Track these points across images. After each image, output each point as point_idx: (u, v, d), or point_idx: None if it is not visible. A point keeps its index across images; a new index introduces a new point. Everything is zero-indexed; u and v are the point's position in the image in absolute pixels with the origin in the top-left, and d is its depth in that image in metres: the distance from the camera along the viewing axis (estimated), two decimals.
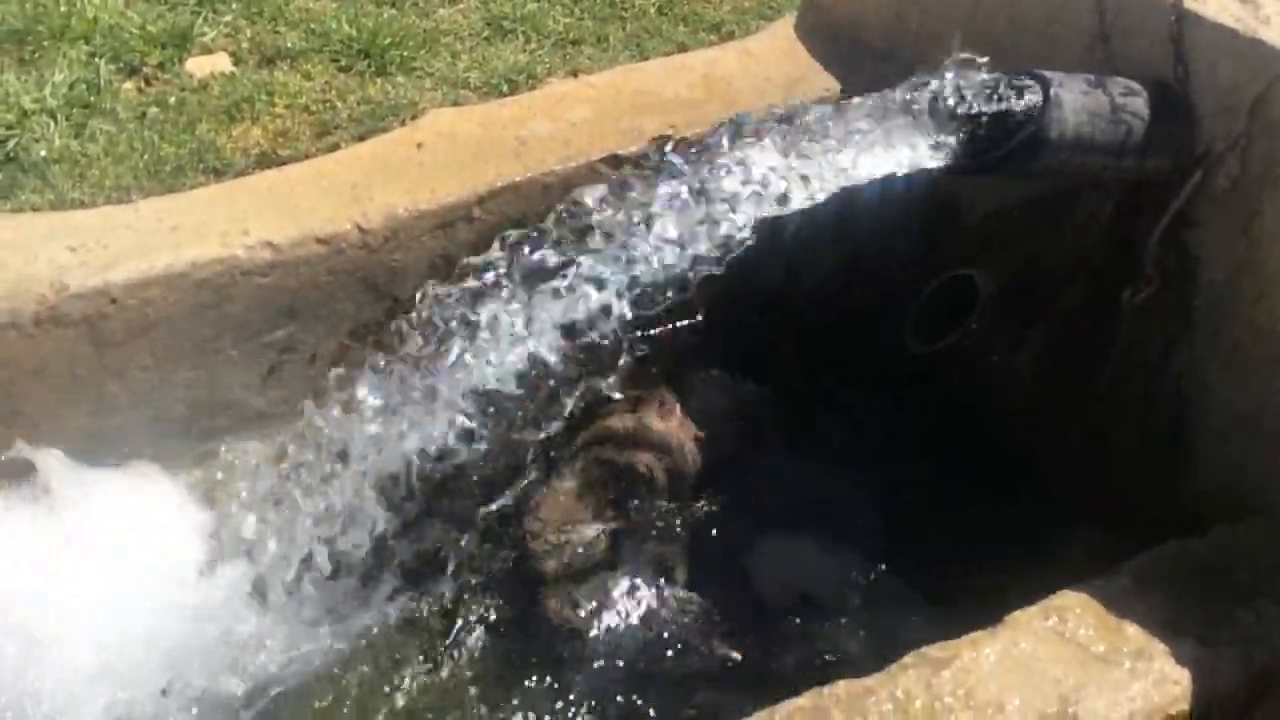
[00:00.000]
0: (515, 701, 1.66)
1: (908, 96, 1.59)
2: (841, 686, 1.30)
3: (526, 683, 1.68)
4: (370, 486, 1.58)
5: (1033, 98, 1.58)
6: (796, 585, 1.83)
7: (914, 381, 2.01)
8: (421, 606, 1.72)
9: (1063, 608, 1.39)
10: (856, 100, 1.61)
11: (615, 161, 1.91)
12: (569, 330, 1.54)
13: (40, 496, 1.69)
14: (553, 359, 1.54)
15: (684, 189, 1.55)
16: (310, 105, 2.32)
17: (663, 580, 1.82)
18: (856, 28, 2.16)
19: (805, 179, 1.54)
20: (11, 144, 2.13)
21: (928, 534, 1.86)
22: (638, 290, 1.54)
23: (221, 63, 2.42)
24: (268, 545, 1.64)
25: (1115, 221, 1.80)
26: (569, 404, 1.64)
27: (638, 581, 1.81)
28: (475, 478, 1.75)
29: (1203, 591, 1.43)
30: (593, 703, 1.67)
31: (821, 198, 1.56)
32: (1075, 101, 1.58)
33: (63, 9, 2.45)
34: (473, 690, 1.67)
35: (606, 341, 1.56)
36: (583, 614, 1.76)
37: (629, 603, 1.79)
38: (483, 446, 1.58)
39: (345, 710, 1.63)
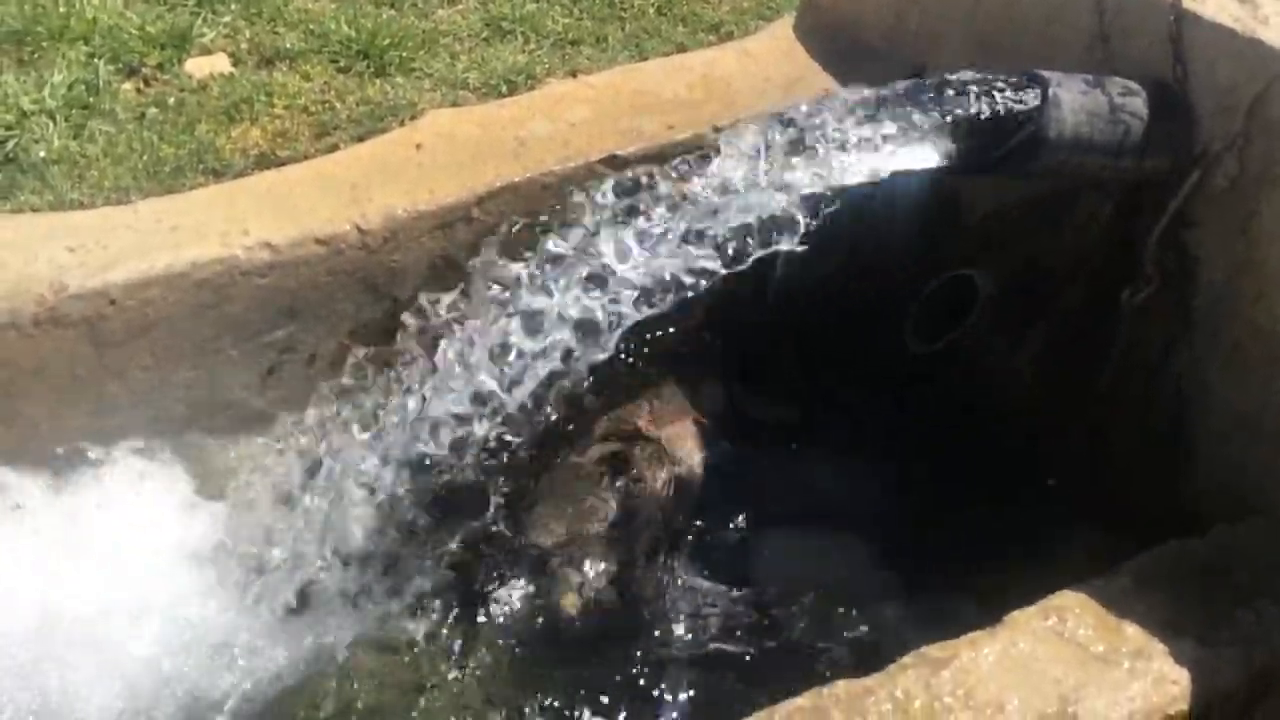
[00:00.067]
0: (516, 699, 1.66)
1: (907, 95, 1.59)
2: (841, 686, 1.30)
3: (527, 681, 1.69)
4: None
5: (1031, 97, 1.58)
6: (796, 584, 1.83)
7: (914, 381, 2.01)
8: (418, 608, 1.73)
9: (1062, 608, 1.39)
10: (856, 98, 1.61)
11: (614, 162, 1.91)
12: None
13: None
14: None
15: None
16: (309, 106, 2.32)
17: (662, 581, 1.82)
18: (856, 28, 2.16)
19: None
20: (11, 145, 2.13)
21: (928, 534, 1.86)
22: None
23: (220, 63, 2.42)
24: None
25: (1114, 221, 1.80)
26: None
27: (637, 582, 1.81)
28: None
29: (1203, 591, 1.43)
30: (592, 701, 1.67)
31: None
32: (1074, 101, 1.58)
33: (62, 10, 2.45)
34: (473, 687, 1.67)
35: None
36: (582, 616, 1.76)
37: (628, 602, 1.79)
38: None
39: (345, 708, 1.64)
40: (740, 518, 1.91)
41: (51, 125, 2.18)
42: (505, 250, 1.78)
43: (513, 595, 1.76)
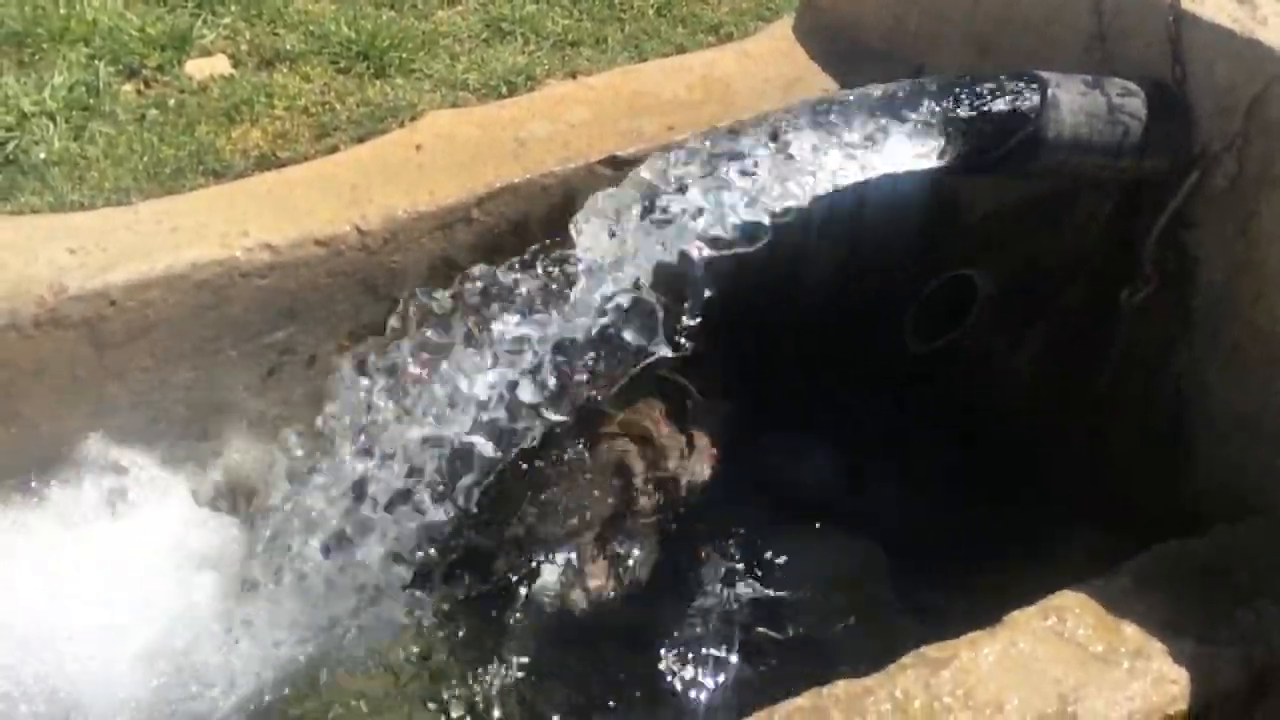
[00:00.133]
0: (519, 692, 1.66)
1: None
2: (840, 686, 1.30)
3: (529, 674, 1.69)
4: None
5: (1030, 98, 1.58)
6: (798, 583, 1.84)
7: (914, 381, 2.01)
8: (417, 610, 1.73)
9: (1061, 608, 1.39)
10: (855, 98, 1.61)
11: (614, 163, 1.91)
12: None
13: None
14: None
15: None
16: (309, 107, 2.32)
17: (667, 578, 1.82)
18: (855, 29, 2.16)
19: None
20: (11, 146, 2.13)
21: (927, 533, 1.86)
22: None
23: (221, 65, 2.42)
24: None
25: (1114, 221, 1.80)
26: None
27: (642, 579, 1.81)
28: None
29: (1202, 591, 1.44)
30: (594, 696, 1.67)
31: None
32: (1073, 102, 1.58)
33: (62, 11, 2.45)
34: (476, 680, 1.67)
35: None
36: (587, 611, 1.76)
37: (634, 599, 1.79)
38: None
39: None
40: (745, 516, 1.91)
41: (52, 127, 2.18)
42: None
43: (518, 590, 1.76)
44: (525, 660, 1.70)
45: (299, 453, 1.75)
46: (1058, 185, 1.83)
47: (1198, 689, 1.33)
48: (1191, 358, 1.70)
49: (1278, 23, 1.58)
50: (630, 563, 1.82)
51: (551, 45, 2.59)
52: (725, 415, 2.03)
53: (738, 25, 2.70)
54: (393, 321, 1.77)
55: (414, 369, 1.68)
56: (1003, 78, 1.61)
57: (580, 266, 1.60)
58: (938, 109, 1.57)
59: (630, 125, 1.98)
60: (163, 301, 1.72)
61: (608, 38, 2.62)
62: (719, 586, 1.83)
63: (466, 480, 1.63)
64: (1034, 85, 1.59)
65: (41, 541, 1.69)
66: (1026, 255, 1.94)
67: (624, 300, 1.58)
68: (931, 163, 1.57)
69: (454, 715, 1.66)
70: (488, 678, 1.68)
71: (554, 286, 1.63)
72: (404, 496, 1.64)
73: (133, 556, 1.70)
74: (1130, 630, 1.37)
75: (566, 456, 1.87)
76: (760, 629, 1.78)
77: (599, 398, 1.69)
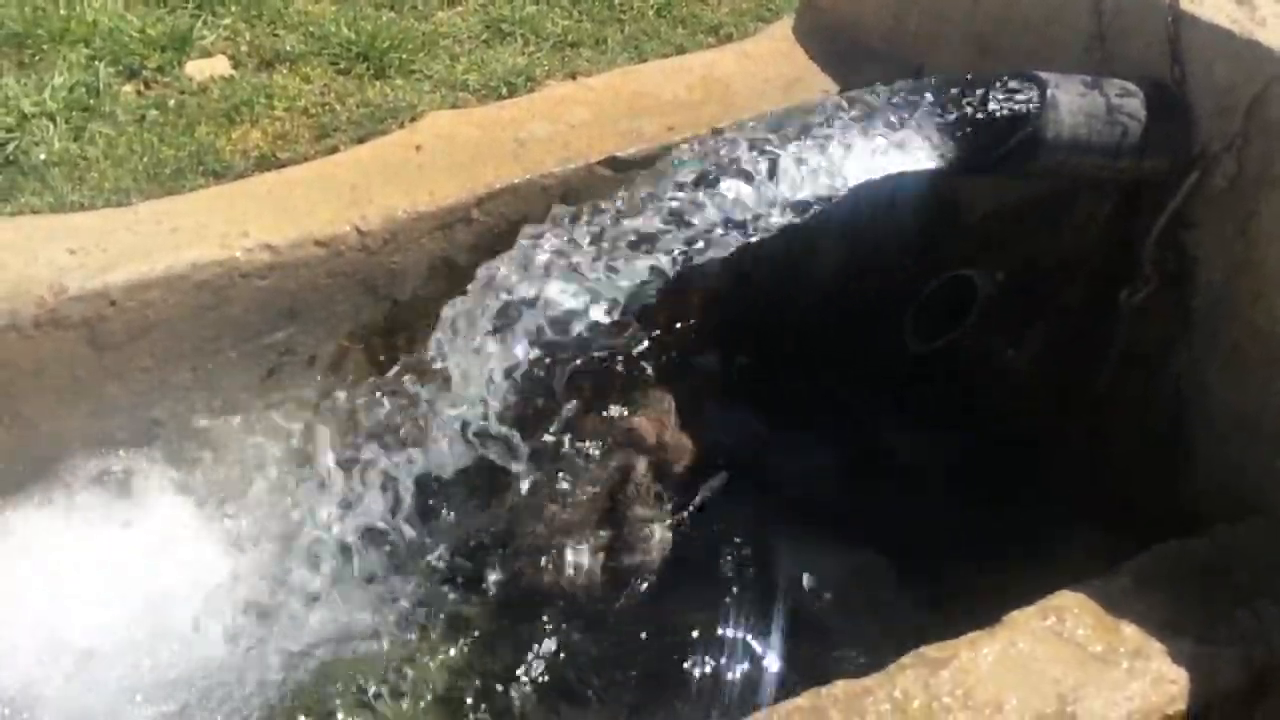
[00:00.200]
0: (508, 685, 1.66)
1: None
2: (839, 686, 1.30)
3: (520, 667, 1.69)
4: None
5: (1030, 98, 1.58)
6: (794, 582, 1.83)
7: (914, 381, 2.01)
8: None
9: (1061, 608, 1.39)
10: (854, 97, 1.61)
11: (614, 163, 1.91)
12: None
13: None
14: None
15: None
16: (309, 108, 2.32)
17: (651, 579, 1.82)
18: (855, 29, 2.16)
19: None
20: (11, 147, 2.14)
21: (927, 533, 1.86)
22: None
23: (221, 66, 2.43)
24: None
25: (1113, 222, 1.80)
26: None
27: (633, 573, 1.81)
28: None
29: (1202, 591, 1.44)
30: (587, 692, 1.67)
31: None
32: (1072, 103, 1.58)
33: (62, 12, 2.45)
34: (465, 671, 1.68)
35: None
36: (577, 606, 1.76)
37: (624, 594, 1.79)
38: None
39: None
40: (739, 512, 1.91)
41: (52, 127, 2.19)
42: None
43: (508, 583, 1.76)
44: (513, 655, 1.70)
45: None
46: (1057, 185, 1.83)
47: (1197, 689, 1.33)
48: (1191, 358, 1.70)
49: (1277, 23, 1.58)
50: (615, 559, 1.82)
51: (551, 46, 2.59)
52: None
53: (737, 26, 2.70)
54: None
55: None
56: (1002, 78, 1.61)
57: (424, 395, 1.60)
58: (937, 109, 1.58)
59: (630, 126, 1.98)
60: (163, 302, 1.72)
61: (607, 38, 2.62)
62: (719, 587, 1.83)
63: None
64: (1033, 86, 1.60)
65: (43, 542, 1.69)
66: (1026, 255, 1.94)
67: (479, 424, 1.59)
68: (931, 163, 1.58)
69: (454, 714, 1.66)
70: (470, 671, 1.68)
71: (415, 412, 1.63)
72: None
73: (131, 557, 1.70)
74: (1129, 630, 1.37)
75: (558, 452, 1.87)
76: (759, 629, 1.78)
77: None
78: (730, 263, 1.60)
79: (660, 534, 1.85)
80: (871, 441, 2.00)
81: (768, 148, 1.56)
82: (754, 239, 1.56)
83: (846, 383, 2.06)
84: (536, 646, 1.72)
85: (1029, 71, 1.62)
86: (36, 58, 2.37)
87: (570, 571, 1.79)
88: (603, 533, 1.82)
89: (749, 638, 1.76)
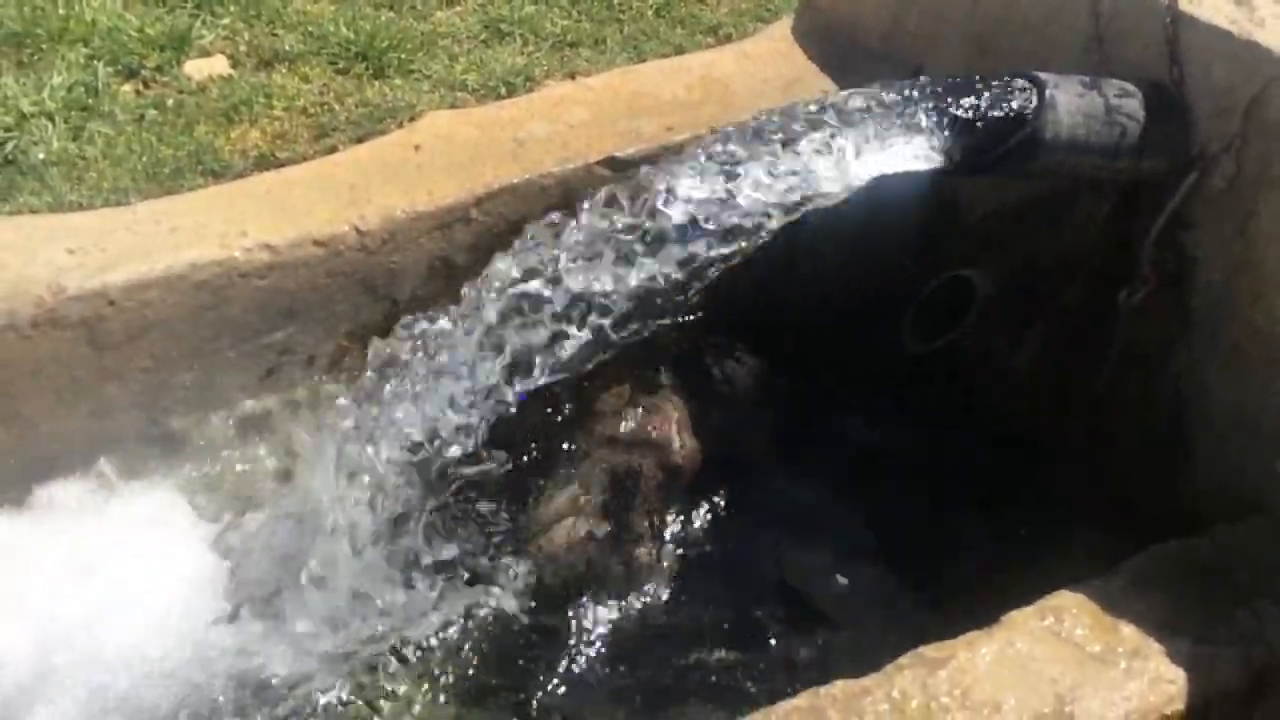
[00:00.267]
0: (505, 686, 1.66)
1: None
2: (838, 686, 1.30)
3: (518, 669, 1.69)
4: None
5: (1028, 99, 1.58)
6: (794, 583, 1.84)
7: (914, 382, 2.01)
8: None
9: (1059, 608, 1.39)
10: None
11: (613, 163, 1.91)
12: None
13: None
14: None
15: None
16: (308, 108, 2.32)
17: (659, 580, 1.82)
18: (854, 29, 2.17)
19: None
20: (10, 146, 2.13)
21: (927, 534, 1.86)
22: None
23: (219, 65, 2.42)
24: None
25: (1113, 222, 1.80)
26: None
27: (634, 581, 1.81)
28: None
29: (1202, 591, 1.44)
30: (586, 694, 1.67)
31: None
32: (1070, 103, 1.59)
33: (61, 12, 2.45)
34: (463, 672, 1.67)
35: None
36: (579, 616, 1.76)
37: (626, 602, 1.79)
38: None
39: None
40: (739, 514, 1.91)
41: (51, 127, 2.18)
42: None
43: (509, 585, 1.76)
44: (511, 657, 1.70)
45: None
46: (1057, 186, 1.83)
47: (1195, 689, 1.33)
48: (1191, 358, 1.70)
49: (1275, 24, 1.58)
50: (617, 562, 1.82)
51: (550, 46, 2.59)
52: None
53: (736, 26, 2.70)
54: None
55: None
56: (1001, 79, 1.61)
57: None
58: (936, 110, 1.58)
59: (629, 126, 1.98)
60: (161, 302, 1.72)
61: (606, 38, 2.62)
62: (718, 588, 1.83)
63: None
64: (1032, 86, 1.60)
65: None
66: (1026, 255, 1.94)
67: None
68: (930, 164, 1.58)
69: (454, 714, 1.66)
70: (469, 672, 1.68)
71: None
72: None
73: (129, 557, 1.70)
74: (1127, 630, 1.37)
75: (560, 454, 1.87)
76: (758, 629, 1.78)
77: None
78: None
79: (666, 535, 1.85)
80: (871, 442, 2.00)
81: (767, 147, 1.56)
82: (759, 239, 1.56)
83: (846, 383, 2.06)
84: (541, 646, 1.73)
85: (1028, 72, 1.62)
86: (35, 57, 2.37)
87: (577, 571, 1.79)
88: (609, 533, 1.82)
89: (748, 639, 1.76)
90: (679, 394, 1.99)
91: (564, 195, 1.87)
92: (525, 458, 1.82)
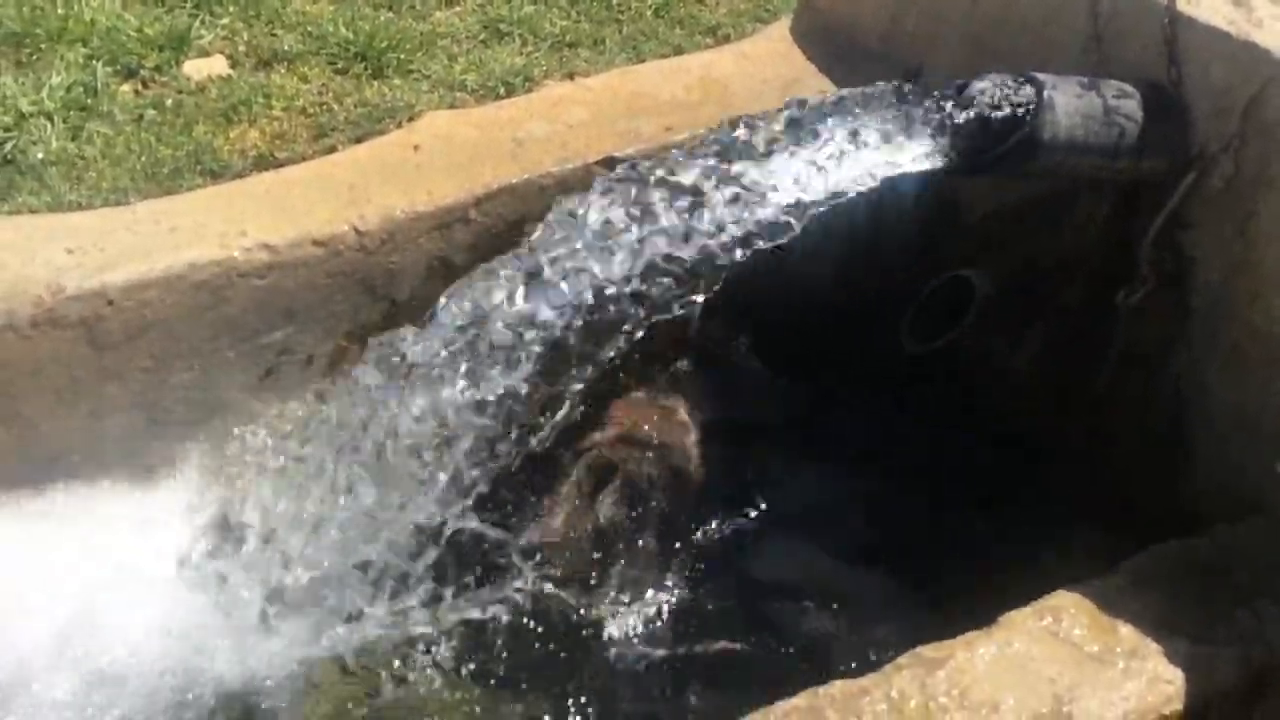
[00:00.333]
0: (503, 697, 1.66)
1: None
2: (837, 686, 1.31)
3: (526, 681, 1.69)
4: None
5: (1027, 100, 1.59)
6: (793, 582, 1.84)
7: (914, 382, 2.01)
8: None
9: (1057, 608, 1.39)
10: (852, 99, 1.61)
11: (612, 163, 1.91)
12: None
13: None
14: None
15: None
16: (307, 108, 2.31)
17: (659, 579, 1.82)
18: (853, 30, 2.17)
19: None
20: (9, 146, 2.13)
21: (927, 534, 1.86)
22: None
23: (219, 65, 2.42)
24: None
25: (1112, 222, 1.80)
26: None
27: (635, 581, 1.81)
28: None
29: (1201, 591, 1.44)
30: (590, 700, 1.67)
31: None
32: (1068, 104, 1.59)
33: (60, 11, 2.45)
34: (461, 684, 1.67)
35: None
36: (580, 616, 1.76)
37: (626, 602, 1.79)
38: None
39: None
40: (735, 516, 1.91)
41: (50, 127, 2.18)
42: None
43: (505, 594, 1.76)
44: (508, 667, 1.70)
45: None
46: (1056, 186, 1.83)
47: (1194, 689, 1.33)
48: (1190, 358, 1.70)
49: (1273, 25, 1.58)
50: (613, 567, 1.82)
51: (549, 46, 2.58)
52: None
53: (735, 26, 2.69)
54: None
55: None
56: (1000, 79, 1.61)
57: None
58: (935, 110, 1.58)
59: (628, 126, 1.98)
60: (161, 302, 1.72)
61: (606, 39, 2.62)
62: (719, 589, 1.83)
63: None
64: (1030, 87, 1.60)
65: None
66: (1026, 255, 1.94)
67: None
68: (929, 164, 1.58)
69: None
70: (466, 683, 1.68)
71: None
72: None
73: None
74: (1126, 630, 1.37)
75: (552, 460, 1.87)
76: (757, 630, 1.78)
77: None
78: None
79: (672, 534, 1.85)
80: (872, 442, 2.01)
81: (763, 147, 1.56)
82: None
83: (846, 383, 2.06)
84: (545, 641, 1.73)
85: (1027, 73, 1.62)
86: (34, 57, 2.37)
87: (562, 570, 1.79)
88: (615, 530, 1.83)
89: (749, 639, 1.76)
90: (687, 394, 1.99)
91: (563, 195, 1.87)
92: (536, 458, 1.82)
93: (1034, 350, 1.92)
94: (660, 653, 1.75)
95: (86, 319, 1.69)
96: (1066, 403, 1.87)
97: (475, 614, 1.72)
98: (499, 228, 1.86)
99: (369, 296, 1.85)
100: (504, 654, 1.72)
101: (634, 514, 1.87)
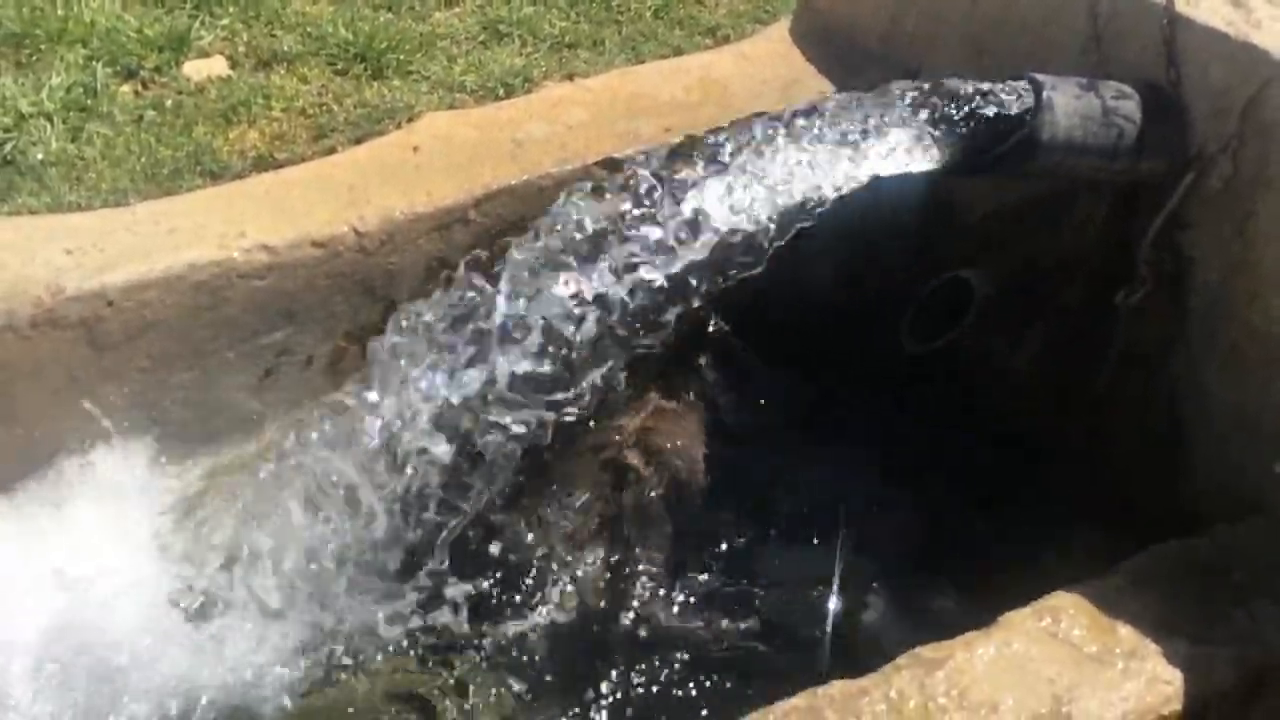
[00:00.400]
0: (509, 698, 1.66)
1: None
2: (836, 687, 1.31)
3: (526, 680, 1.69)
4: None
5: (1026, 100, 1.59)
6: (794, 583, 1.84)
7: (914, 382, 2.01)
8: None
9: (1056, 608, 1.39)
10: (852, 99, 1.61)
11: (611, 164, 1.91)
12: None
13: None
14: None
15: None
16: (307, 108, 2.32)
17: (660, 579, 1.82)
18: (852, 30, 2.17)
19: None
20: (9, 147, 2.13)
21: (926, 533, 1.86)
22: None
23: (218, 66, 2.43)
24: None
25: (1111, 222, 1.80)
26: None
27: (636, 581, 1.81)
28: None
29: (1200, 591, 1.44)
30: (588, 700, 1.67)
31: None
32: (1067, 105, 1.59)
33: (60, 12, 2.45)
34: (466, 685, 1.67)
35: None
36: (579, 615, 1.76)
37: (627, 602, 1.79)
38: None
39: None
40: (739, 516, 1.91)
41: (49, 127, 2.18)
42: None
43: (510, 595, 1.76)
44: (514, 668, 1.70)
45: None
46: (1056, 186, 1.83)
47: (1192, 689, 1.33)
48: (1189, 358, 1.70)
49: (1272, 25, 1.58)
50: (617, 568, 1.82)
51: (549, 47, 2.59)
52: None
53: (735, 27, 2.69)
54: None
55: None
56: (999, 80, 1.61)
57: None
58: (934, 111, 1.58)
59: (628, 127, 1.98)
60: (160, 302, 1.72)
61: (605, 40, 2.62)
62: (719, 589, 1.83)
63: None
64: (1029, 87, 1.60)
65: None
66: (1026, 256, 1.94)
67: None
68: (928, 164, 1.58)
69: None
70: (471, 685, 1.68)
71: None
72: None
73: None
74: (1125, 631, 1.37)
75: (557, 461, 1.87)
76: (758, 630, 1.78)
77: None
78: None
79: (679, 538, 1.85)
80: (872, 442, 2.01)
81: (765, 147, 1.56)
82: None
83: (847, 383, 2.06)
84: (555, 647, 1.73)
85: (1025, 73, 1.62)
86: (34, 58, 2.37)
87: (572, 581, 1.79)
88: (606, 540, 1.83)
89: (750, 637, 1.77)
90: (694, 399, 1.99)
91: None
92: (547, 463, 1.82)
93: (1034, 350, 1.93)
94: (659, 652, 1.75)
95: (86, 319, 1.69)
96: (1066, 403, 1.87)
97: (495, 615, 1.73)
98: (498, 228, 1.86)
99: (368, 297, 1.85)
100: (495, 648, 1.72)
101: (651, 513, 1.87)
